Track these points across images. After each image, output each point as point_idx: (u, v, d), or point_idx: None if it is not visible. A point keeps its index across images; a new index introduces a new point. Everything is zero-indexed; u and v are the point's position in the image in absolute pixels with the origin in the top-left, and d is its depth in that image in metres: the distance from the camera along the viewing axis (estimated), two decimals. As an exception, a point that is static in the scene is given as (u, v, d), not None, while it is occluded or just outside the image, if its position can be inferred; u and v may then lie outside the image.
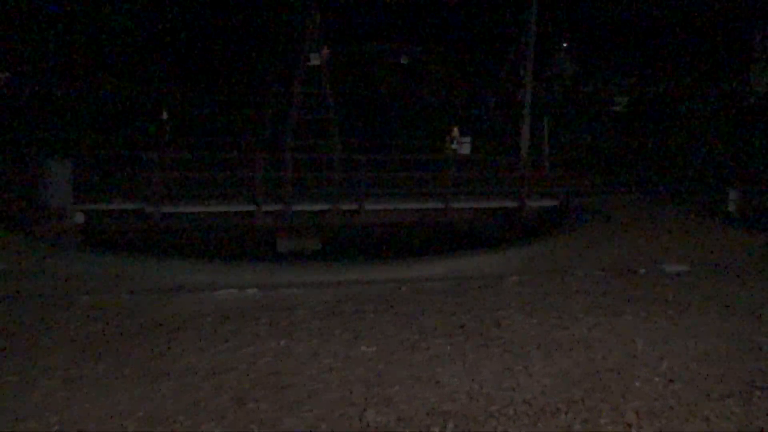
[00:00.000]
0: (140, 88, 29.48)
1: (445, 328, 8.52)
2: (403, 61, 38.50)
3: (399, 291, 10.41)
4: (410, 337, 8.18)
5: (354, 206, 16.89)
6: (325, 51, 21.33)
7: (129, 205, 15.53)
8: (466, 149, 21.89)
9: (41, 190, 14.25)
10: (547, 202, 18.31)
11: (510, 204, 18.07)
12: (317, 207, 16.78)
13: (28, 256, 12.11)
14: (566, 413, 6.19)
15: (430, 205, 17.60)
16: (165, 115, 20.83)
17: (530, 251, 14.42)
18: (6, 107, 27.95)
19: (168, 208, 15.65)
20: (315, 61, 21.06)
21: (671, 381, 6.96)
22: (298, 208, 16.58)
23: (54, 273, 11.30)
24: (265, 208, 16.22)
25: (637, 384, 6.86)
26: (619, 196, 18.87)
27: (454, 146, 21.56)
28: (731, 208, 16.98)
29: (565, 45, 36.06)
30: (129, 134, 21.70)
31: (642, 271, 12.07)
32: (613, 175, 21.05)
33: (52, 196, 14.21)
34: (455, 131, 21.79)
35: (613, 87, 34.28)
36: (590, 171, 20.87)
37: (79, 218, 14.82)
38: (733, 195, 17.02)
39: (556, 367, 7.26)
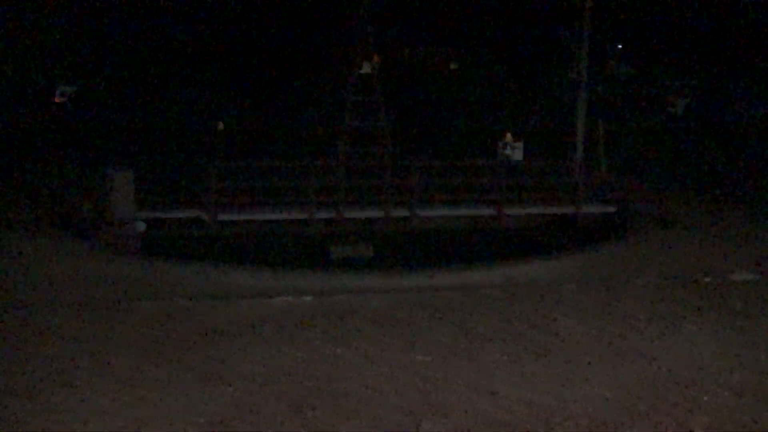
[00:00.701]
0: (198, 100, 30.34)
1: (500, 336, 8.40)
2: (453, 66, 38.38)
3: (453, 298, 10.31)
4: (465, 345, 8.09)
5: (406, 213, 16.86)
6: (376, 59, 21.41)
7: (187, 213, 15.92)
8: (518, 155, 21.52)
9: (106, 199, 14.73)
10: (604, 208, 17.82)
11: (565, 210, 17.66)
12: (369, 214, 16.81)
13: (92, 263, 12.57)
14: (630, 427, 5.99)
15: (483, 211, 17.35)
16: (221, 126, 21.30)
17: (587, 259, 14.06)
18: (73, 119, 29.23)
19: (224, 216, 15.97)
20: (366, 69, 21.16)
21: (741, 395, 6.66)
22: (351, 215, 16.66)
23: (116, 279, 11.67)
24: (318, 215, 16.36)
25: (705, 398, 6.59)
26: (680, 200, 18.22)
27: (507, 152, 21.26)
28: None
29: (620, 47, 35.25)
30: (186, 145, 22.33)
31: (706, 279, 11.59)
32: (672, 178, 20.36)
33: (116, 205, 14.66)
34: (508, 136, 21.46)
35: (672, 89, 33.24)
36: (648, 175, 20.23)
37: (141, 226, 15.25)
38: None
39: (618, 379, 7.05)
